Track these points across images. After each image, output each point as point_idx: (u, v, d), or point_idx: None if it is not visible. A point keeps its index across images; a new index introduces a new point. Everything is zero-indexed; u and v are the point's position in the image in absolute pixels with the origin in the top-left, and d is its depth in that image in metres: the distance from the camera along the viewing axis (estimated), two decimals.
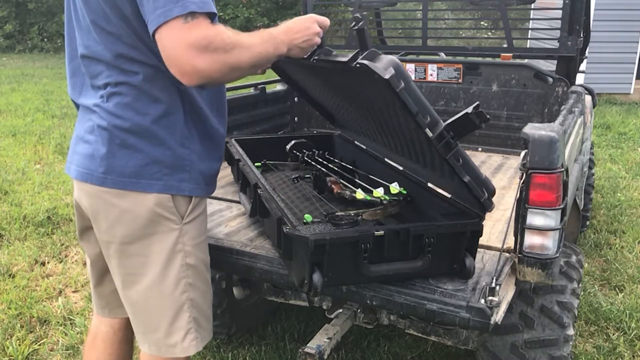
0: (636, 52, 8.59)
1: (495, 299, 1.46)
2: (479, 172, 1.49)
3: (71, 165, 1.54)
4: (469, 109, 1.37)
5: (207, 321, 1.63)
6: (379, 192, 1.91)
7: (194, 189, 1.51)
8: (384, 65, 1.31)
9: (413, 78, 2.53)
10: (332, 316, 2.18)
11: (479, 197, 1.50)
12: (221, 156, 1.62)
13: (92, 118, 1.46)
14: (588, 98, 3.14)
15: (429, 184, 1.93)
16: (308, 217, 1.61)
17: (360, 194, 1.94)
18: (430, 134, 1.39)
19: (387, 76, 1.29)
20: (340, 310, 2.17)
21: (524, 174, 1.56)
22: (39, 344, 2.69)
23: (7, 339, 2.70)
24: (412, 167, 2.01)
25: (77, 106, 1.57)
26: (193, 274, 1.54)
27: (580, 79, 4.24)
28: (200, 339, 1.59)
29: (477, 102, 1.39)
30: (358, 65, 1.38)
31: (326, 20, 1.56)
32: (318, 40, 1.55)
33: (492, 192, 1.53)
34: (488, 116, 1.36)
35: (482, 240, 1.65)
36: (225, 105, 1.61)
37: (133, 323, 1.62)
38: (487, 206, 1.53)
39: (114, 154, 1.42)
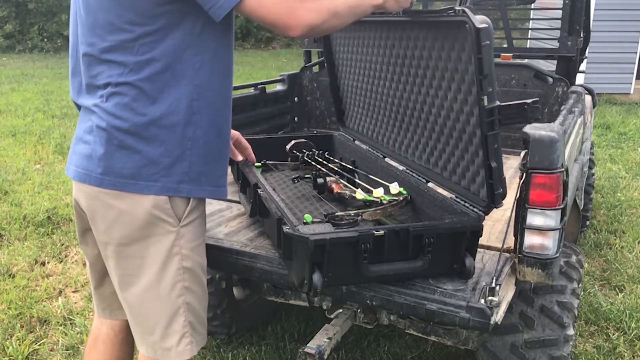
0: (636, 52, 8.58)
1: (495, 299, 1.46)
2: (502, 164, 1.53)
3: (70, 166, 1.53)
4: (528, 101, 1.44)
5: (202, 325, 1.62)
6: (378, 192, 1.91)
7: (193, 190, 1.49)
8: (479, 19, 1.40)
9: None
10: (332, 316, 2.18)
11: (496, 188, 1.52)
12: (226, 157, 1.59)
13: (92, 118, 1.45)
14: (588, 98, 3.13)
15: (430, 184, 1.93)
16: (308, 217, 1.61)
17: (360, 194, 1.94)
18: (486, 103, 1.44)
19: (480, 26, 1.38)
20: (340, 310, 2.17)
21: (524, 174, 1.56)
22: (39, 344, 2.69)
23: (7, 339, 2.70)
24: (415, 165, 2.01)
25: (78, 107, 1.57)
26: (189, 277, 1.53)
27: (580, 79, 4.24)
28: (195, 344, 1.58)
29: (537, 98, 1.45)
30: (453, 12, 1.48)
31: None
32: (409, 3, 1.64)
33: (505, 190, 1.55)
34: (540, 116, 1.41)
35: (482, 240, 1.65)
36: (230, 106, 1.58)
37: (131, 324, 1.62)
38: (497, 201, 1.55)
39: (112, 154, 1.42)
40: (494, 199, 1.55)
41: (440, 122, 1.77)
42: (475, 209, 1.64)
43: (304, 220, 1.58)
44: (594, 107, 3.30)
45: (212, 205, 2.14)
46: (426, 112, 1.85)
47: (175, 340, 1.54)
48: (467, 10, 1.43)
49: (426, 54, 1.75)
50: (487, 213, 1.62)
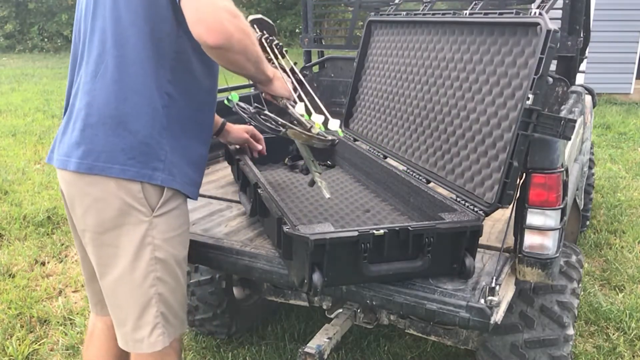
0: (636, 52, 8.59)
1: (495, 298, 1.46)
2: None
3: (55, 156, 1.55)
4: (567, 116, 1.49)
5: (175, 317, 1.61)
6: (317, 118, 1.78)
7: (167, 180, 1.50)
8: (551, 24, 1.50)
9: None
10: (332, 316, 2.18)
11: (509, 188, 1.54)
12: (201, 161, 1.62)
13: (76, 104, 1.48)
14: (588, 98, 3.13)
15: (430, 184, 1.93)
16: (234, 97, 1.64)
17: (300, 108, 1.81)
18: (530, 102, 1.48)
19: (552, 28, 1.45)
20: (340, 310, 2.17)
21: (524, 174, 1.56)
22: (39, 344, 2.69)
23: (7, 339, 2.70)
24: (419, 167, 2.01)
25: (69, 97, 1.59)
26: (162, 268, 1.53)
27: (580, 79, 4.23)
28: (167, 335, 1.58)
29: (575, 118, 1.48)
30: (529, 14, 1.56)
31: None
32: (289, 96, 1.79)
33: (514, 193, 1.56)
34: (571, 137, 1.45)
35: (482, 240, 1.65)
36: (204, 112, 1.61)
37: (111, 316, 1.63)
38: (507, 201, 1.56)
39: (91, 139, 1.44)
40: (503, 199, 1.55)
41: (465, 125, 1.80)
42: (476, 209, 1.64)
43: (229, 97, 1.59)
44: (594, 107, 3.30)
45: (212, 205, 2.14)
46: (452, 116, 1.87)
47: (147, 332, 1.54)
48: (543, 12, 1.49)
49: (477, 57, 1.79)
50: (489, 214, 1.62)
